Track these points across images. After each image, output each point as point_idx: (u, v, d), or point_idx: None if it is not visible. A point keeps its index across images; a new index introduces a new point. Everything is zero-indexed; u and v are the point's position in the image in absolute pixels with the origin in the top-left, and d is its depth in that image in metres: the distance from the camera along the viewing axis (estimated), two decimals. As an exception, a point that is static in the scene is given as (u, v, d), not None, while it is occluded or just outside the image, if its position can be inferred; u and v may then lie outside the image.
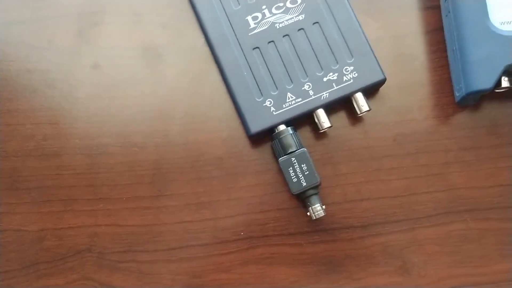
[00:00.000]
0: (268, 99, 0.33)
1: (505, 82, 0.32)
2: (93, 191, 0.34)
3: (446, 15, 0.34)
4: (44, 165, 0.35)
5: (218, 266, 0.33)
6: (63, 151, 0.35)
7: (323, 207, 0.32)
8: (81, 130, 0.35)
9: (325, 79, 0.33)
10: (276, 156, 0.34)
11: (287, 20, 0.34)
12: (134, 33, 0.36)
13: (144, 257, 0.34)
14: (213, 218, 0.34)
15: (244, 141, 0.35)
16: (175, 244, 0.34)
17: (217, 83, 0.35)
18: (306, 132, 0.35)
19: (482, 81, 0.32)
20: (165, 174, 0.34)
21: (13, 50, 0.36)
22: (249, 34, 0.34)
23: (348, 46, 0.34)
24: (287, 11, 0.34)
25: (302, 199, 0.33)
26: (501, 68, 0.31)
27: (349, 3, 0.34)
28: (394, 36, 0.36)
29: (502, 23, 0.32)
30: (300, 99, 0.33)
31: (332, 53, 0.34)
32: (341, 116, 0.35)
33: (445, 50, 0.35)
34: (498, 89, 0.32)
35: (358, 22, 0.34)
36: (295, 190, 0.32)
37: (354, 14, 0.34)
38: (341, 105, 0.35)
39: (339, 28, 0.34)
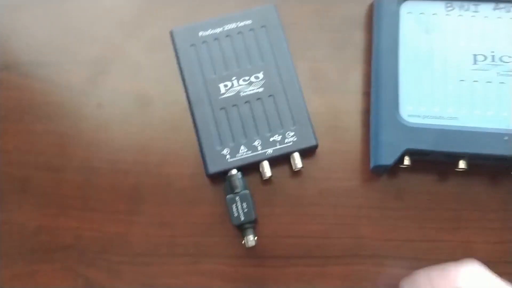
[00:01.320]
0: (226, 148, 0.43)
1: (406, 161, 0.42)
2: (83, 202, 0.44)
3: (372, 102, 0.44)
4: (49, 177, 0.45)
5: (169, 273, 0.43)
6: (64, 168, 0.45)
7: (255, 238, 0.42)
8: (80, 153, 0.45)
9: (271, 139, 0.43)
10: (225, 194, 0.43)
11: (249, 91, 0.44)
12: (133, 83, 0.47)
13: (114, 258, 0.43)
14: (170, 235, 0.43)
15: (204, 179, 0.44)
16: (139, 251, 0.43)
17: (189, 130, 0.45)
18: (254, 178, 0.44)
19: (385, 158, 0.41)
20: (139, 196, 0.44)
21: (39, 85, 0.47)
22: (219, 97, 0.44)
23: (292, 116, 0.44)
24: (250, 84, 0.44)
25: (241, 230, 0.42)
26: (401, 150, 0.41)
27: (298, 84, 0.44)
28: (333, 112, 0.46)
29: (409, 115, 0.42)
30: (250, 151, 0.43)
31: (280, 119, 0.44)
32: (282, 169, 0.44)
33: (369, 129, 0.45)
34: (402, 165, 0.42)
35: (304, 99, 0.44)
36: (235, 222, 0.42)
37: (302, 92, 0.44)
38: (283, 160, 0.44)
39: (288, 102, 0.44)
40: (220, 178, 0.44)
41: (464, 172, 0.42)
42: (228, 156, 0.43)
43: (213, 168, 0.43)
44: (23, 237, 0.44)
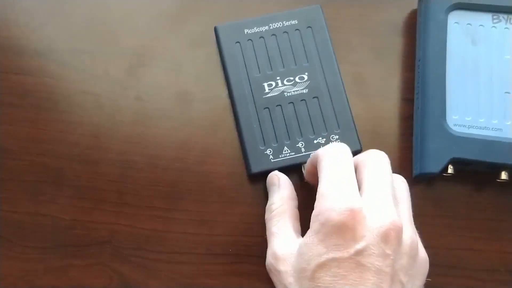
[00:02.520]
0: (269, 148, 0.43)
1: (450, 170, 0.42)
2: (119, 197, 0.43)
3: (416, 109, 0.44)
4: (84, 169, 0.43)
5: (206, 273, 0.42)
6: (100, 161, 0.44)
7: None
8: (117, 146, 0.44)
9: (315, 141, 0.43)
10: (267, 193, 0.43)
11: (294, 91, 0.44)
12: (173, 78, 0.46)
13: (150, 255, 0.42)
14: (209, 234, 0.43)
15: (244, 178, 0.44)
16: (176, 249, 0.42)
17: (231, 129, 0.44)
18: (294, 178, 0.44)
19: (433, 166, 0.41)
20: (178, 193, 0.43)
21: (74, 73, 0.45)
22: (263, 96, 0.44)
23: (337, 119, 0.43)
24: (295, 84, 0.44)
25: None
26: (448, 158, 0.41)
27: (343, 87, 0.44)
28: (374, 117, 0.46)
29: (455, 125, 0.42)
30: (294, 153, 0.43)
31: (324, 122, 0.43)
32: (323, 172, 0.44)
33: (412, 135, 0.45)
34: (445, 174, 0.42)
35: (348, 102, 0.44)
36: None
37: (346, 95, 0.44)
38: (324, 163, 0.44)
39: (332, 105, 0.44)
40: (261, 178, 0.43)
41: (504, 183, 0.42)
42: (271, 157, 0.43)
43: (256, 168, 0.42)
44: (57, 230, 0.42)
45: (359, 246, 0.30)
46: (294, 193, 0.40)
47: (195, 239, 0.43)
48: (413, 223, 0.35)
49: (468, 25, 0.44)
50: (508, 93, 0.43)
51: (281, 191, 0.40)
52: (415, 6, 0.48)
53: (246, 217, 0.43)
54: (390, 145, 0.45)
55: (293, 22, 0.45)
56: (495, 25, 0.44)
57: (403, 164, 0.45)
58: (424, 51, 0.44)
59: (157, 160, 0.44)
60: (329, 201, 0.32)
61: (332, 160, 0.34)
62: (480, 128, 0.42)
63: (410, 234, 0.33)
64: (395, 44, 0.48)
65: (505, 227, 0.44)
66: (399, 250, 0.32)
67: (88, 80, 0.45)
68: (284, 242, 0.37)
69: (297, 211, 0.40)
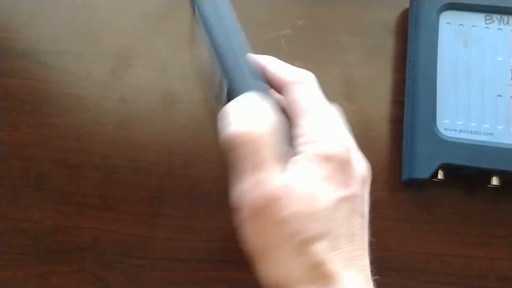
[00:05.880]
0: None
1: (440, 175, 0.41)
2: (103, 201, 0.42)
3: (406, 112, 0.43)
4: (67, 173, 0.43)
5: (191, 280, 0.41)
6: (84, 165, 0.43)
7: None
8: (101, 150, 0.43)
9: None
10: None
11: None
12: (158, 79, 0.45)
13: (134, 261, 0.41)
14: (194, 239, 0.42)
15: (229, 182, 0.43)
16: (161, 255, 0.42)
17: (216, 132, 0.43)
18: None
19: (422, 171, 0.40)
20: (162, 197, 0.42)
21: (57, 75, 0.44)
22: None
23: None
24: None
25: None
26: (437, 164, 0.40)
27: None
28: (362, 119, 0.45)
29: (446, 129, 0.41)
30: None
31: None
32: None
33: (401, 139, 0.44)
34: (435, 179, 0.41)
35: None
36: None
37: None
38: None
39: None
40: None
41: (495, 189, 0.42)
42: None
43: None
44: (38, 236, 0.42)
45: (353, 189, 0.29)
46: None
47: (180, 245, 0.42)
48: None
49: (460, 25, 0.43)
50: (501, 96, 0.42)
51: None
52: (407, 5, 0.47)
53: (233, 222, 0.42)
54: (379, 148, 0.44)
55: None
56: (488, 25, 0.43)
57: (392, 168, 0.44)
58: (415, 52, 0.43)
59: (142, 164, 0.43)
60: (331, 141, 0.29)
61: (313, 93, 0.31)
62: (471, 132, 0.41)
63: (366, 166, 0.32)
64: (386, 45, 0.47)
65: (496, 233, 0.43)
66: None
67: (72, 82, 0.45)
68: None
69: None
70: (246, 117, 0.29)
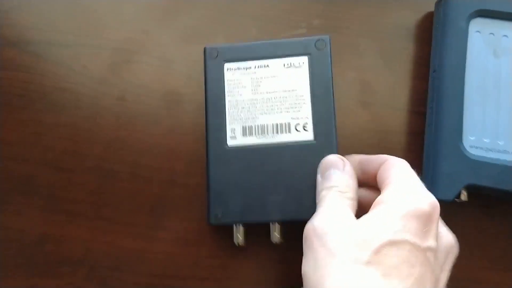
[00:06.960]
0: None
1: (463, 196, 0.38)
2: (96, 210, 0.39)
3: (428, 125, 0.40)
4: (58, 177, 0.39)
5: (192, 298, 0.38)
6: (77, 168, 0.39)
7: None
8: (97, 152, 0.39)
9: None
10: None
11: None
12: (161, 77, 0.41)
13: (129, 277, 0.38)
14: (195, 255, 0.39)
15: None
16: (159, 271, 0.38)
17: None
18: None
19: (445, 192, 0.37)
20: (162, 208, 0.39)
21: (51, 68, 0.41)
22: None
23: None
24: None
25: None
26: (462, 184, 0.37)
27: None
28: (379, 130, 0.41)
29: (471, 146, 0.38)
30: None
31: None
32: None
33: (421, 154, 0.41)
34: (457, 199, 0.38)
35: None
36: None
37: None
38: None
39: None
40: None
41: (519, 212, 0.39)
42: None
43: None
44: (23, 246, 0.38)
45: (432, 243, 0.29)
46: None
47: (179, 261, 0.38)
48: None
49: (491, 34, 0.40)
50: (531, 113, 0.39)
51: (346, 176, 0.34)
52: (430, 8, 0.43)
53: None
54: (397, 163, 0.41)
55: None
56: (520, 36, 0.40)
57: (411, 185, 0.41)
58: (440, 61, 0.40)
59: (140, 170, 0.39)
60: (418, 194, 0.31)
61: (406, 165, 0.34)
62: (499, 152, 0.38)
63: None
64: (407, 50, 0.43)
65: (517, 258, 0.40)
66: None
67: (68, 76, 0.41)
68: (334, 216, 0.31)
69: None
70: None
